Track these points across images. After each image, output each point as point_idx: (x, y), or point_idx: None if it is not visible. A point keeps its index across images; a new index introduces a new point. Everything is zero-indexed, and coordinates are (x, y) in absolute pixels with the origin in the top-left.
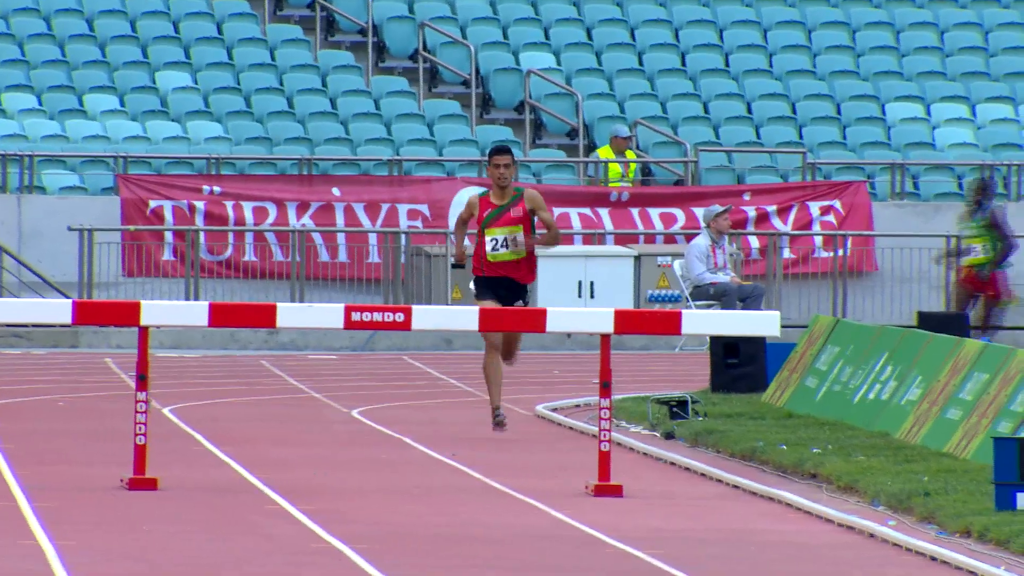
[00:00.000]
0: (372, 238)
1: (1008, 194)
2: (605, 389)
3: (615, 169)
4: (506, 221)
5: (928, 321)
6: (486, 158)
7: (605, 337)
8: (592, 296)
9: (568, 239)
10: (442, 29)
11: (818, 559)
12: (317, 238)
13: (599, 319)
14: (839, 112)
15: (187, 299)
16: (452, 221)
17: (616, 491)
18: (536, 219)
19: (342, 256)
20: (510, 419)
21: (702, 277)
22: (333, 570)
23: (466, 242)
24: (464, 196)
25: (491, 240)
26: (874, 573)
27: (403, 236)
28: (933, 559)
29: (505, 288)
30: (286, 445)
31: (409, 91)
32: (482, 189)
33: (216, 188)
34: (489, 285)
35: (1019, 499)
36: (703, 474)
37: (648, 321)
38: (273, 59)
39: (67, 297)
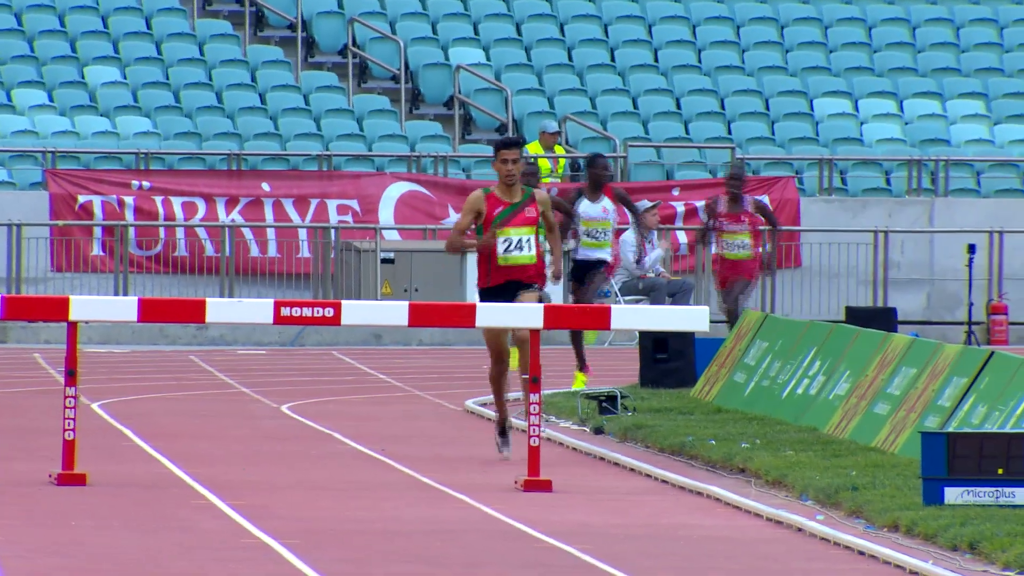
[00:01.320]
0: (302, 233)
1: (936, 190)
2: (534, 384)
3: (544, 164)
4: (521, 221)
5: (856, 316)
6: (491, 153)
7: (534, 332)
8: None
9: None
10: (371, 24)
11: (746, 554)
12: (247, 233)
13: (529, 314)
14: (767, 107)
15: (116, 294)
16: (378, 217)
17: (545, 486)
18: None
19: (272, 251)
20: (439, 414)
21: (635, 270)
22: (261, 565)
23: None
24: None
25: (504, 241)
26: (802, 568)
27: (333, 231)
28: (861, 553)
29: (513, 292)
30: (215, 440)
31: (338, 86)
32: (483, 188)
33: (145, 183)
34: (495, 296)
35: (947, 493)
36: (632, 469)
37: (577, 316)
38: (202, 54)
39: None
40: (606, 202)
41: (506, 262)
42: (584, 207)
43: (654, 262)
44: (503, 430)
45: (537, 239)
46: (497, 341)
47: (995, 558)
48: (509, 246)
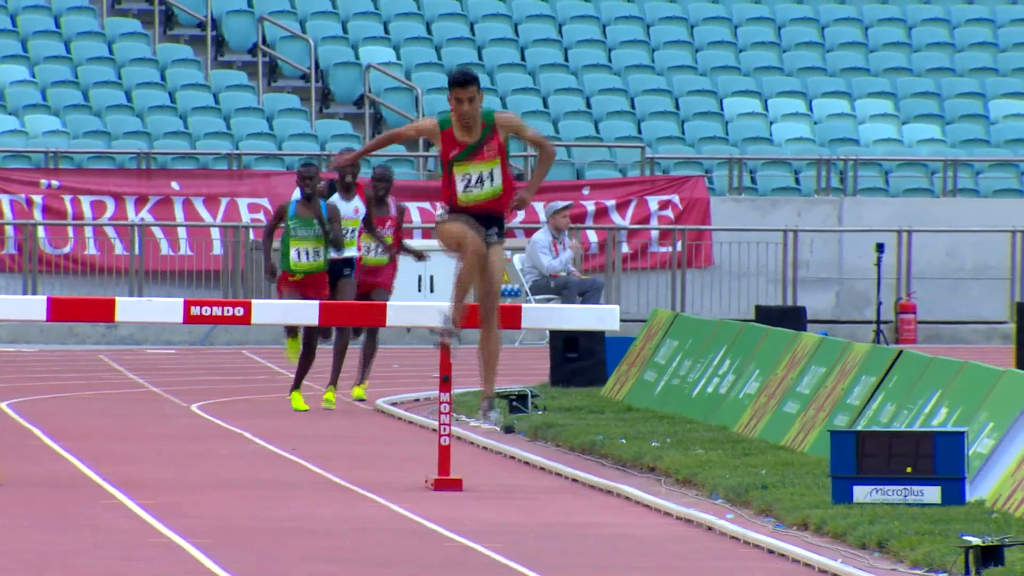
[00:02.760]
0: (214, 232)
1: (844, 189)
2: (445, 383)
3: None
4: (480, 158)
5: (766, 315)
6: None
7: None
8: (432, 291)
9: (408, 233)
10: (281, 23)
11: (657, 552)
12: (158, 232)
13: (439, 313)
14: (677, 107)
15: (25, 293)
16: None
17: (456, 485)
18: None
19: (184, 250)
20: (350, 413)
21: (552, 267)
22: (170, 564)
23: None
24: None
25: (463, 178)
26: (712, 566)
27: (244, 230)
28: (771, 552)
29: (479, 221)
30: (125, 440)
31: (248, 85)
32: (440, 115)
33: (55, 182)
34: (463, 212)
35: (856, 492)
36: (542, 468)
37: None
38: (111, 53)
39: None
40: (358, 202)
41: (467, 198)
42: (335, 203)
43: (566, 262)
44: (452, 332)
45: (504, 167)
46: (464, 233)
47: (903, 556)
48: (468, 183)
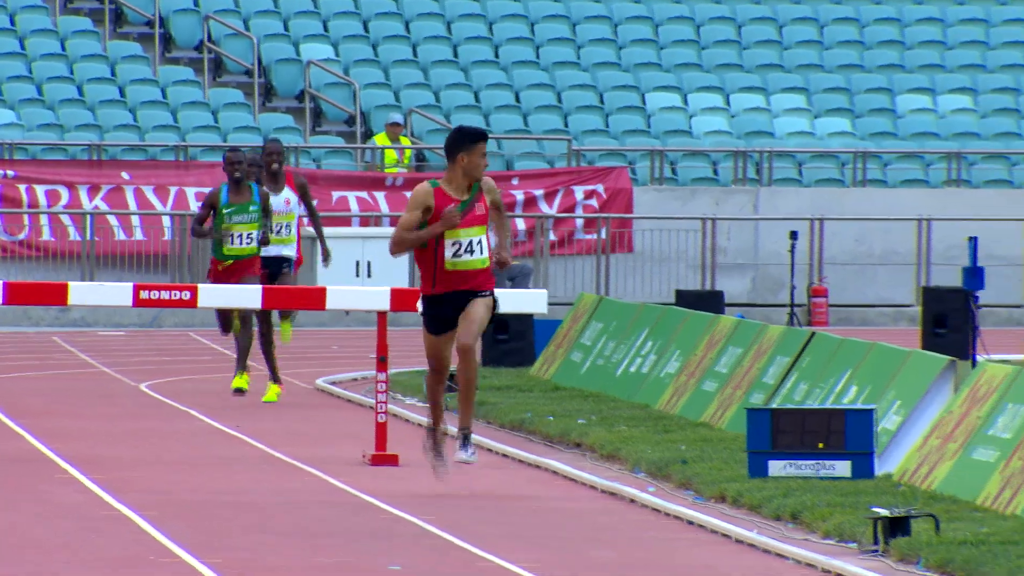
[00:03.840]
0: (164, 219)
1: (760, 179)
2: (382, 363)
3: (391, 155)
4: (472, 220)
5: (686, 299)
6: (440, 149)
7: (382, 314)
8: (369, 275)
9: (347, 221)
10: (226, 21)
11: (582, 524)
12: (112, 219)
13: (376, 297)
14: (602, 101)
15: None
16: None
17: (392, 460)
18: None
19: (139, 236)
20: (292, 392)
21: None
22: (121, 536)
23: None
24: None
25: (453, 244)
26: (635, 537)
27: (191, 218)
28: (690, 523)
29: (461, 302)
30: (77, 418)
31: (195, 80)
32: (430, 180)
33: (10, 172)
34: (441, 306)
35: (771, 466)
36: (475, 444)
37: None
38: (64, 49)
39: None
40: (288, 193)
41: (455, 267)
42: (267, 191)
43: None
44: (435, 434)
45: (489, 239)
46: (438, 350)
47: (816, 527)
48: (459, 249)
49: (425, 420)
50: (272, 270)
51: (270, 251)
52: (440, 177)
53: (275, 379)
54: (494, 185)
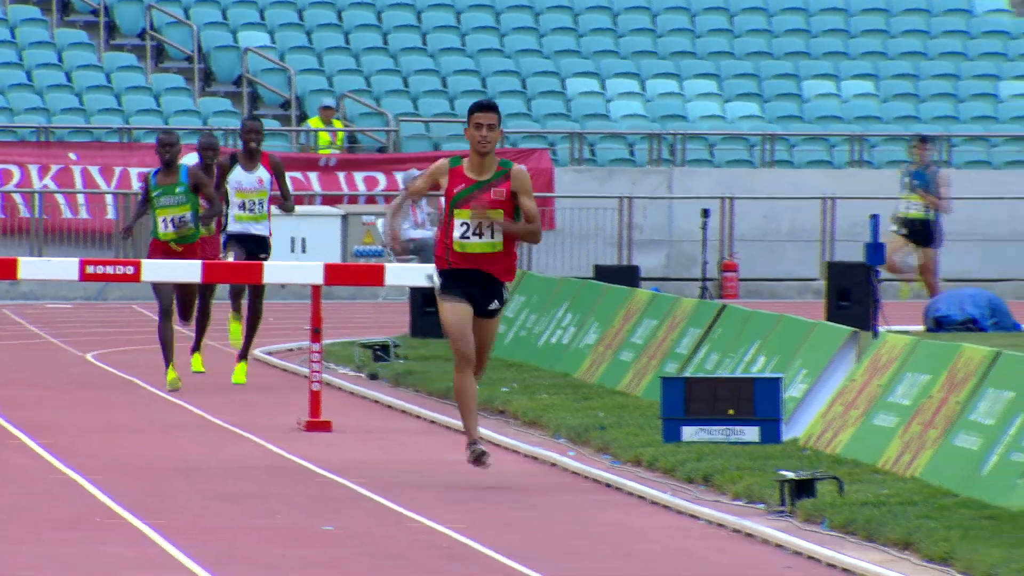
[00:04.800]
0: (108, 198)
1: (674, 160)
2: (316, 335)
3: (324, 137)
4: (484, 203)
5: (604, 273)
6: (463, 118)
7: (316, 288)
8: (304, 251)
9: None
10: (168, 10)
11: (506, 486)
12: (60, 198)
13: (311, 272)
14: (524, 87)
15: None
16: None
17: (326, 427)
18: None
19: (82, 214)
20: (230, 361)
21: (406, 232)
22: (68, 499)
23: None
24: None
25: (461, 224)
26: (556, 499)
27: (134, 196)
28: (608, 486)
29: (479, 285)
30: (26, 386)
31: (138, 66)
32: (454, 157)
33: None
34: (458, 279)
35: (684, 432)
36: (404, 411)
37: (354, 273)
38: (14, 37)
39: None
40: (262, 172)
41: (463, 249)
42: (237, 176)
43: (428, 218)
44: (477, 456)
45: (510, 220)
46: (461, 329)
47: (726, 489)
48: (466, 231)
49: (353, 387)
50: (248, 248)
51: (240, 228)
52: (467, 155)
53: (196, 348)
54: (524, 175)
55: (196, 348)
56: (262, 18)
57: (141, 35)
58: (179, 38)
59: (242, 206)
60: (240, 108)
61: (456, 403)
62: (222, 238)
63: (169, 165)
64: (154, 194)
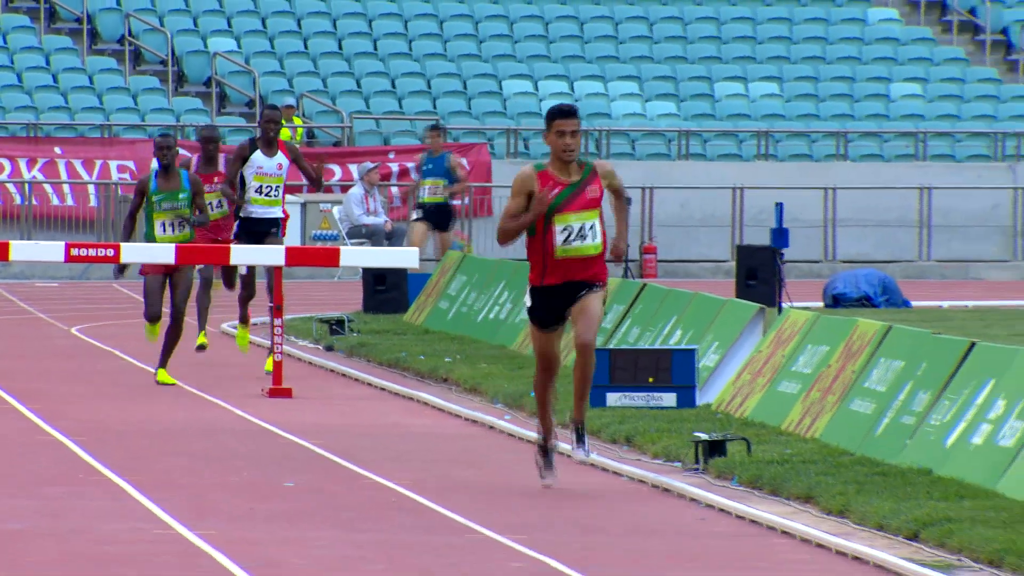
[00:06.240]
0: (91, 188)
1: (599, 154)
2: (278, 311)
3: (285, 133)
4: (582, 204)
5: None
6: (543, 126)
7: (277, 269)
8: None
9: None
10: (144, 19)
11: (449, 447)
12: (48, 188)
13: (273, 254)
14: (465, 87)
15: None
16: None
17: (287, 393)
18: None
19: (68, 202)
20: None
21: (360, 219)
22: (54, 458)
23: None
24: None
25: (563, 230)
26: (495, 458)
27: (114, 187)
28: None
29: (566, 298)
30: (16, 357)
31: (118, 69)
32: (534, 163)
33: None
34: (548, 300)
35: (608, 398)
36: (357, 379)
37: (313, 256)
38: (5, 43)
39: None
40: (281, 157)
41: (566, 254)
42: (258, 160)
43: (380, 205)
44: (545, 449)
45: (603, 223)
46: (548, 346)
47: (647, 449)
48: (569, 235)
49: (312, 358)
50: (262, 229)
51: (258, 212)
52: (548, 161)
53: (201, 328)
54: (611, 169)
55: (163, 363)
56: (230, 26)
57: (120, 41)
58: (155, 43)
59: (259, 190)
60: (209, 107)
61: (537, 405)
62: (235, 225)
63: (168, 168)
64: (155, 198)
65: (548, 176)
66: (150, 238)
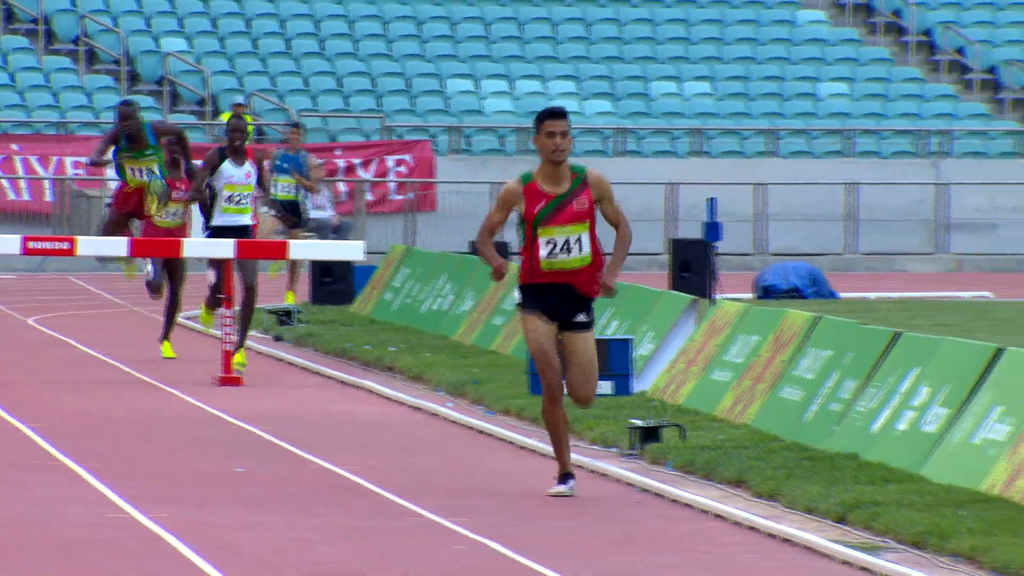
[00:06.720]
0: (47, 183)
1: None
2: (228, 302)
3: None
4: (568, 217)
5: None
6: (531, 126)
7: (228, 261)
8: None
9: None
10: (99, 20)
11: (394, 433)
12: (5, 183)
13: (225, 247)
14: (409, 86)
15: None
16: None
17: (237, 381)
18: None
19: (25, 196)
20: (152, 325)
21: (307, 213)
22: (13, 444)
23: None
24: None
25: (547, 243)
26: (439, 445)
27: (69, 182)
28: (481, 432)
29: (561, 297)
30: None
31: (73, 68)
32: (524, 172)
33: None
34: (538, 294)
35: None
36: (305, 368)
37: (262, 249)
38: None
39: None
40: (249, 166)
41: (551, 267)
42: (227, 170)
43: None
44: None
45: (593, 234)
46: (544, 339)
47: (584, 435)
48: (554, 248)
49: (261, 347)
50: (232, 237)
51: (229, 220)
52: (536, 169)
53: (165, 336)
54: (603, 180)
55: (166, 335)
56: (181, 26)
57: (76, 41)
58: (109, 44)
59: (230, 199)
60: (162, 105)
61: (548, 433)
62: (205, 234)
63: (132, 138)
64: (125, 153)
65: (535, 190)
66: (123, 177)
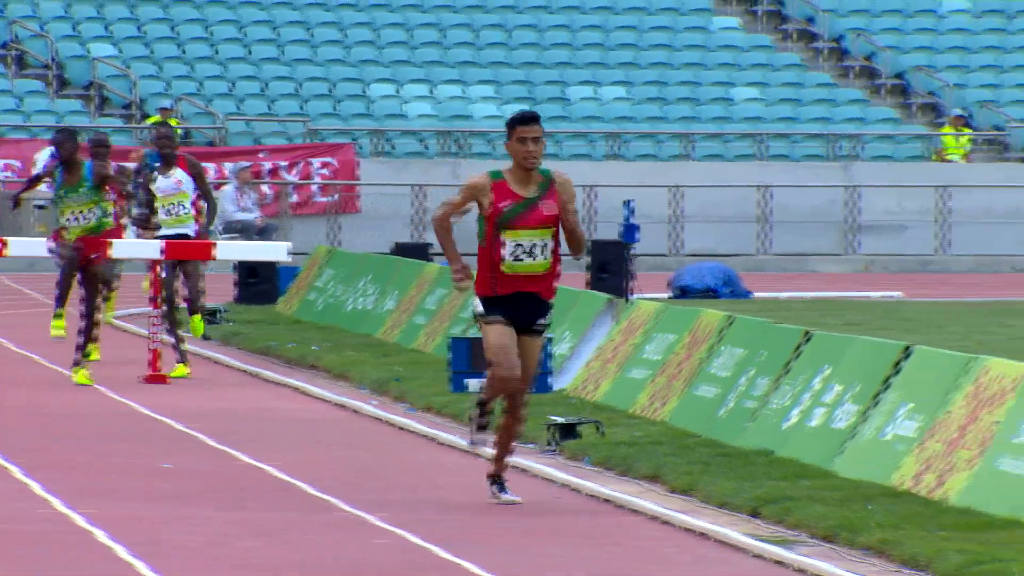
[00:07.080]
0: None
1: (460, 153)
2: (155, 302)
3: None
4: (537, 221)
5: (401, 250)
6: (504, 130)
7: (155, 262)
8: None
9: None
10: (28, 25)
11: (318, 430)
12: None
13: (152, 248)
14: (334, 90)
15: None
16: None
17: (164, 380)
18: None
19: None
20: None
21: (233, 214)
22: None
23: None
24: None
25: (513, 244)
26: (363, 440)
27: (1, 184)
28: (403, 429)
29: (523, 306)
30: None
31: (3, 73)
32: (493, 172)
33: None
34: (501, 304)
35: (469, 384)
36: (230, 366)
37: (189, 249)
38: None
39: None
40: (179, 174)
41: (513, 271)
42: (158, 182)
43: (252, 202)
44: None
45: (556, 241)
46: (509, 341)
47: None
48: (519, 252)
49: (186, 346)
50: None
51: (167, 232)
52: (507, 168)
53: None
54: (569, 183)
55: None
56: (109, 32)
57: (5, 46)
58: (38, 48)
59: (165, 211)
60: (90, 109)
61: (478, 407)
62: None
63: (68, 164)
64: (61, 192)
65: (504, 188)
66: (61, 222)
